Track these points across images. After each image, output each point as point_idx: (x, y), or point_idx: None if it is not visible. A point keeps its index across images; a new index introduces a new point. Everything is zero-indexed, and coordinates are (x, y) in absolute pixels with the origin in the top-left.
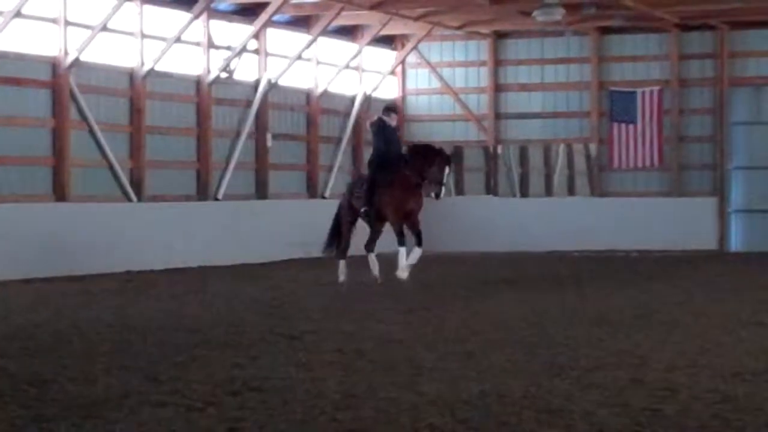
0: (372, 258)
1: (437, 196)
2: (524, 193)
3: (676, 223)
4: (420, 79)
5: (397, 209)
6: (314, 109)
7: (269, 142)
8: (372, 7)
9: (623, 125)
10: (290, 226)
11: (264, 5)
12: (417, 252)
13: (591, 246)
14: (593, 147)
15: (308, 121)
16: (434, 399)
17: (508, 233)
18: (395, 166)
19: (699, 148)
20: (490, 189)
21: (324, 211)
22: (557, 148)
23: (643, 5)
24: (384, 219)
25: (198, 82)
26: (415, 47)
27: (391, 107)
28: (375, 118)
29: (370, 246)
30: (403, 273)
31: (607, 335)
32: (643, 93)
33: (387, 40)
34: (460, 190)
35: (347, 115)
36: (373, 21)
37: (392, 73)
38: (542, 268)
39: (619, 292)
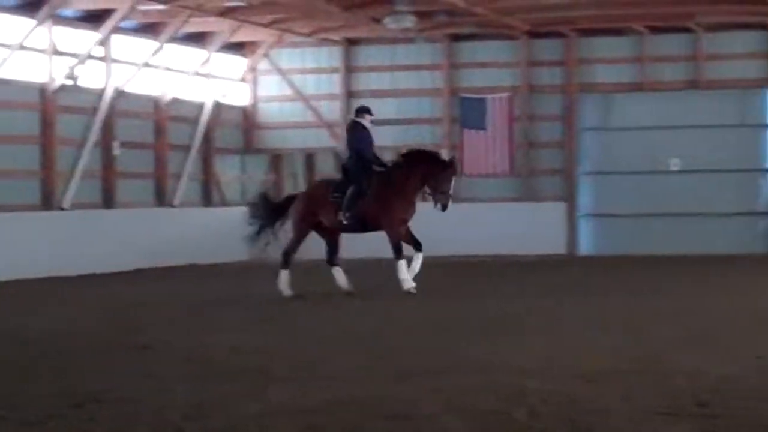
0: (338, 271)
1: (444, 207)
2: None
3: (527, 228)
4: (271, 85)
5: (395, 218)
6: (162, 117)
7: (116, 151)
8: (221, 14)
9: (474, 132)
10: (138, 236)
11: (110, 12)
12: (419, 257)
13: (443, 252)
14: (445, 153)
15: (156, 128)
16: (283, 407)
17: (359, 239)
18: (379, 171)
19: (549, 154)
20: None
21: (173, 220)
22: None
23: (493, 12)
24: (372, 228)
25: (42, 89)
26: (265, 54)
27: (364, 108)
28: (349, 121)
29: (333, 259)
30: (409, 284)
31: (455, 340)
32: (494, 99)
33: (237, 47)
34: None
35: (196, 122)
36: (222, 28)
37: (243, 79)
38: (393, 274)
39: (469, 296)
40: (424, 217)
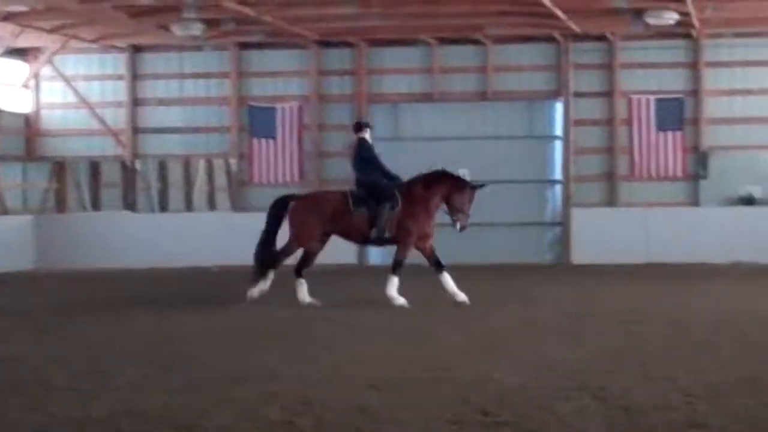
0: (302, 283)
1: (463, 228)
2: (164, 209)
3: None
4: (55, 92)
5: (416, 234)
6: None
7: None
8: (3, 19)
9: (263, 140)
10: None
11: None
12: (446, 276)
13: (232, 261)
14: (233, 162)
15: None
16: (66, 419)
17: (148, 249)
18: (402, 187)
19: (338, 163)
20: (128, 204)
21: None
22: (197, 163)
23: (283, 21)
24: (392, 242)
25: None
26: (49, 60)
27: (366, 124)
28: (354, 139)
29: (302, 270)
30: (399, 300)
31: (245, 349)
32: (283, 108)
33: (20, 53)
34: (96, 206)
35: None
36: (4, 33)
37: (25, 86)
38: (182, 283)
39: (257, 306)
40: (214, 225)
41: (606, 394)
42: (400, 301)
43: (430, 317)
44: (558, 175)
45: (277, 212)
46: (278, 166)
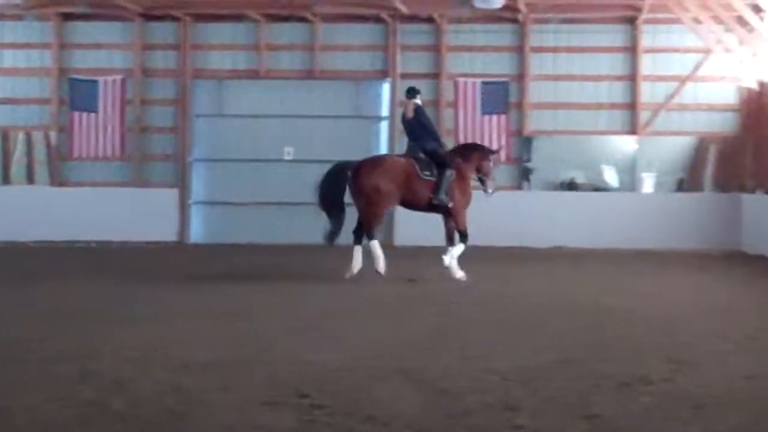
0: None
1: (493, 191)
2: None
3: (138, 214)
4: None
5: (465, 202)
6: None
7: None
8: None
9: (84, 114)
10: None
11: None
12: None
13: (50, 237)
14: (53, 135)
15: None
16: None
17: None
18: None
19: (161, 139)
20: None
21: None
22: (16, 135)
23: None
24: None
25: None
26: None
27: (417, 90)
28: (411, 104)
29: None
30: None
31: (61, 329)
32: (105, 82)
33: None
34: None
35: None
36: None
37: None
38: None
39: (75, 284)
40: (32, 200)
41: (424, 376)
42: (460, 274)
43: (250, 298)
44: None
45: (339, 183)
46: (99, 141)
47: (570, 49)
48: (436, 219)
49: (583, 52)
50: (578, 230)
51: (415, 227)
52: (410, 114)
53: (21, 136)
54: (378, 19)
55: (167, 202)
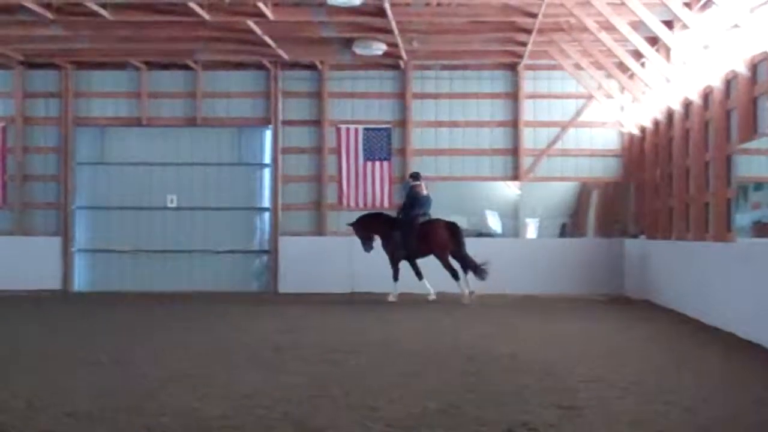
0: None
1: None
2: None
3: (20, 263)
4: None
5: None
6: None
7: None
8: None
9: None
10: None
11: None
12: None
13: None
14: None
15: None
16: None
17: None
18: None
19: (44, 187)
20: None
21: None
22: None
23: None
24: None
25: None
26: None
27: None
28: (422, 183)
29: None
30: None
31: None
32: None
33: None
34: None
35: None
36: None
37: None
38: None
39: None
40: None
41: (308, 423)
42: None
43: (131, 346)
44: (267, 202)
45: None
46: None
47: (452, 95)
48: (321, 266)
49: (465, 98)
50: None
51: (300, 274)
52: (425, 191)
53: None
54: (260, 66)
55: (50, 250)
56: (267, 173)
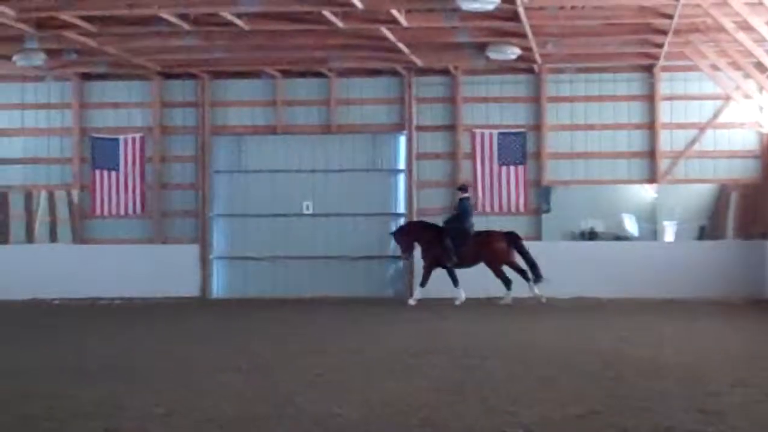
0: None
1: None
2: (4, 240)
3: (160, 270)
4: None
5: None
6: None
7: None
8: None
9: (105, 172)
10: None
11: None
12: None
13: (74, 294)
14: (75, 194)
15: None
16: None
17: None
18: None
19: (181, 196)
20: None
21: None
22: (38, 194)
23: (125, 53)
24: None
25: None
26: None
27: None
28: (469, 196)
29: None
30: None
31: (84, 385)
32: (126, 140)
33: None
34: None
35: None
36: None
37: None
38: (21, 317)
39: (100, 339)
40: (55, 257)
41: (448, 429)
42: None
43: (271, 351)
44: (402, 208)
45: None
46: (120, 198)
47: (587, 99)
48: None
49: (601, 101)
50: (598, 280)
51: (436, 279)
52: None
53: (43, 194)
54: (393, 73)
55: (188, 257)
56: (401, 179)
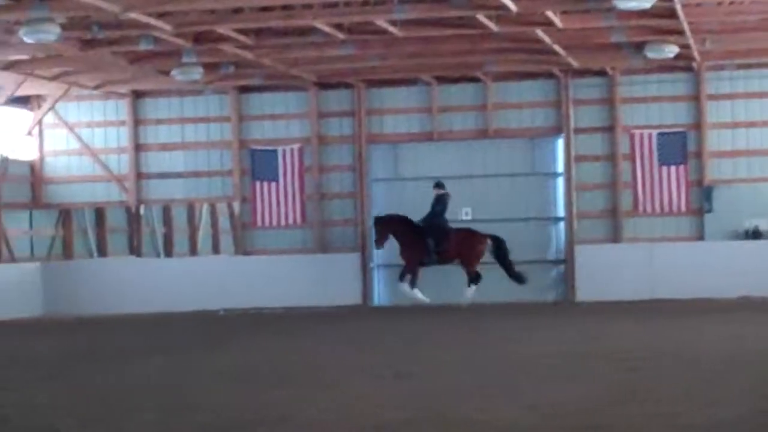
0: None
1: None
2: (168, 253)
3: (321, 279)
4: (58, 139)
5: None
6: None
7: None
8: (5, 68)
9: (265, 183)
10: None
11: None
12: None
13: (237, 304)
14: (236, 205)
15: None
16: None
17: (153, 294)
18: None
19: (340, 204)
20: (133, 249)
21: None
22: (200, 207)
23: (281, 64)
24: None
25: None
26: (51, 108)
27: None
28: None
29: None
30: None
31: (250, 392)
32: (284, 151)
33: (23, 101)
34: (102, 252)
35: None
36: (7, 81)
37: (29, 134)
38: (187, 328)
39: (264, 348)
40: (218, 269)
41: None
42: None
43: (433, 357)
44: (561, 212)
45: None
46: (281, 209)
47: (747, 95)
48: (618, 273)
49: (762, 97)
50: (763, 279)
51: (597, 283)
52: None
53: (205, 207)
54: (549, 75)
55: (349, 266)
56: (560, 182)
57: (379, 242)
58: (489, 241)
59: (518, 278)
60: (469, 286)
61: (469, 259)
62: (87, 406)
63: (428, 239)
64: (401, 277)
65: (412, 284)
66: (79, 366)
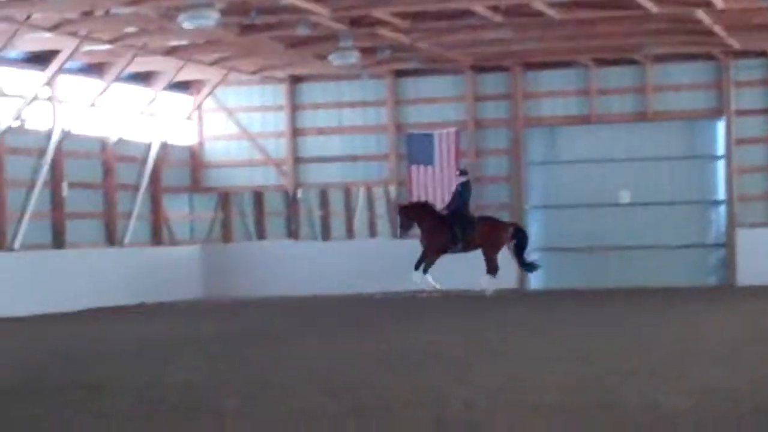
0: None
1: None
2: (325, 237)
3: (474, 263)
4: (217, 124)
5: None
6: (110, 157)
7: (65, 191)
8: (166, 53)
9: (421, 167)
10: (89, 275)
11: (55, 53)
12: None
13: (393, 287)
14: (393, 189)
15: (104, 168)
16: None
17: (311, 277)
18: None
19: (496, 188)
20: (291, 233)
21: (122, 260)
22: (357, 190)
23: (438, 47)
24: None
25: None
26: (211, 92)
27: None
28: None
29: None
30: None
31: (410, 375)
32: (440, 135)
33: (183, 86)
34: (261, 235)
35: (144, 161)
36: (167, 67)
37: (189, 118)
38: (345, 310)
39: (418, 331)
40: (375, 252)
41: None
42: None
43: (590, 341)
44: (721, 195)
45: None
46: (437, 192)
47: None
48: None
49: None
50: None
51: (760, 266)
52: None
53: (362, 191)
54: (709, 57)
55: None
56: (720, 165)
57: (404, 229)
58: (511, 230)
59: (530, 267)
60: (489, 274)
61: (493, 247)
62: (248, 385)
63: (455, 228)
64: (417, 266)
65: (425, 271)
66: (239, 346)
